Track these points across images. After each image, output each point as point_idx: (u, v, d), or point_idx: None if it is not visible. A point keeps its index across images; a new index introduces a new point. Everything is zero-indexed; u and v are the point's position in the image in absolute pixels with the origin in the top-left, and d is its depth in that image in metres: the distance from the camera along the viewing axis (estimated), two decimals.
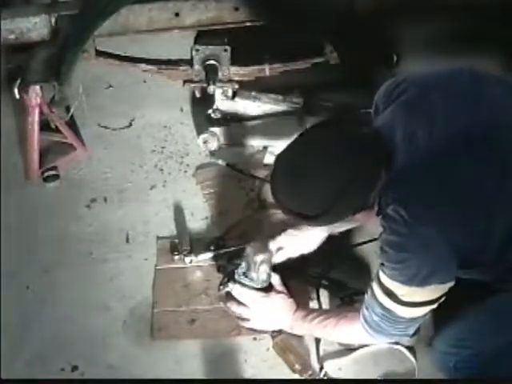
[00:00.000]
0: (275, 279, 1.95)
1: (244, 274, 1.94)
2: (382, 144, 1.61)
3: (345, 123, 1.69)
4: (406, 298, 1.62)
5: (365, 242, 2.12)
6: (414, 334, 1.86)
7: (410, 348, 1.91)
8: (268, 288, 1.94)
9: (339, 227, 1.80)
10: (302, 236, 1.99)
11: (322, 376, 1.89)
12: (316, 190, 1.56)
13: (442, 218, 1.54)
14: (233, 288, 1.94)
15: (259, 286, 1.93)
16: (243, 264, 1.95)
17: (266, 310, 1.91)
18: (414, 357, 1.90)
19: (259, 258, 1.91)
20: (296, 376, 1.88)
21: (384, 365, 1.90)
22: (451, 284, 1.62)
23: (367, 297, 1.71)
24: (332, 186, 1.55)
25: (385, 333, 1.71)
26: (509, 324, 1.65)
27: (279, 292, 1.93)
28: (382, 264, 1.64)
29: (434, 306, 1.65)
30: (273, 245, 1.98)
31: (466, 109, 1.60)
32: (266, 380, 1.90)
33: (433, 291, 1.61)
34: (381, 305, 1.66)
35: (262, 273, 1.92)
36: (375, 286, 1.67)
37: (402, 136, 1.60)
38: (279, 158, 1.64)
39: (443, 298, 1.64)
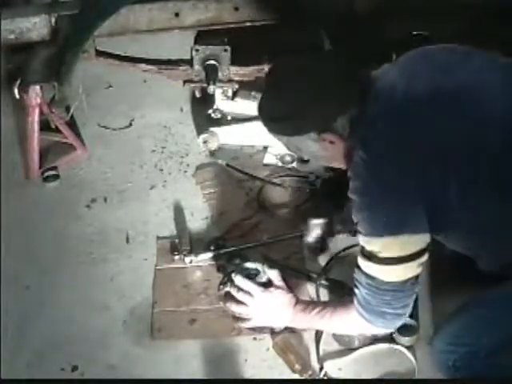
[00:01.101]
0: (274, 274, 1.94)
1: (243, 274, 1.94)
2: (362, 80, 1.65)
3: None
4: (383, 253, 1.62)
5: None
6: (413, 333, 1.88)
7: (409, 348, 1.91)
8: (267, 284, 1.94)
9: (311, 154, 1.77)
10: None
11: (322, 376, 1.88)
12: (288, 94, 1.63)
13: (402, 161, 1.57)
14: (231, 286, 1.93)
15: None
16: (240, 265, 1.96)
17: (265, 305, 1.91)
18: (414, 357, 1.90)
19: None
20: (296, 376, 1.88)
21: (384, 365, 1.90)
22: (426, 238, 1.62)
23: (354, 274, 1.71)
24: (303, 93, 1.61)
25: (375, 310, 1.69)
26: (506, 320, 1.65)
27: (278, 287, 1.93)
28: (356, 223, 1.65)
29: (414, 264, 1.63)
30: None
31: (445, 75, 1.64)
32: (266, 380, 1.89)
33: (408, 243, 1.61)
34: (365, 274, 1.67)
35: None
36: (358, 256, 1.69)
37: (382, 83, 1.64)
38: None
39: (423, 258, 1.63)
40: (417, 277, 1.67)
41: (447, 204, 1.59)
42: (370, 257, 1.65)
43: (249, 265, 1.99)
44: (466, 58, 1.67)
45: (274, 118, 1.67)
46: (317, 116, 1.62)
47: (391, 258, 1.63)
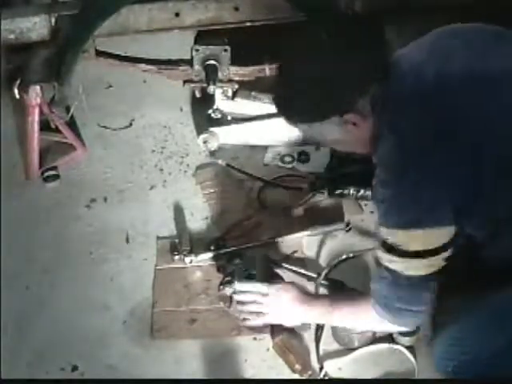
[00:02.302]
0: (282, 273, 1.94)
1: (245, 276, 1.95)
2: (381, 58, 1.61)
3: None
4: (407, 246, 1.58)
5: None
6: (413, 333, 1.88)
7: (409, 348, 1.91)
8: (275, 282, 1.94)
9: (334, 140, 1.72)
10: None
11: (322, 376, 1.88)
12: (303, 80, 1.60)
13: (436, 148, 1.53)
14: (237, 289, 1.93)
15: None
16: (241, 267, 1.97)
17: (278, 301, 1.89)
18: (414, 357, 1.90)
19: None
20: (296, 376, 1.88)
21: (384, 365, 1.90)
22: (451, 230, 1.58)
23: (373, 269, 1.69)
24: (319, 76, 1.58)
25: (391, 307, 1.66)
26: (506, 328, 1.64)
27: (288, 283, 1.92)
28: (379, 215, 1.62)
29: (439, 258, 1.60)
30: None
31: (479, 58, 1.59)
32: (266, 380, 1.89)
33: (434, 236, 1.58)
34: (385, 267, 1.63)
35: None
36: (378, 249, 1.65)
37: (409, 63, 1.60)
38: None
39: (447, 253, 1.60)
40: (437, 272, 1.63)
41: (479, 191, 1.55)
42: (393, 250, 1.61)
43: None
44: (497, 38, 1.63)
45: (294, 106, 1.63)
46: (337, 98, 1.58)
47: (416, 252, 1.59)
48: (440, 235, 1.59)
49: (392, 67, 1.60)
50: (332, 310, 1.83)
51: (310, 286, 2.05)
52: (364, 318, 1.78)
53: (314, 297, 1.91)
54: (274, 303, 1.90)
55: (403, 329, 1.79)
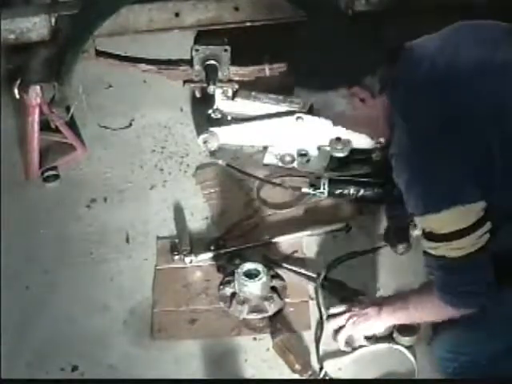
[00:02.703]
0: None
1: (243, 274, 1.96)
2: (392, 43, 1.68)
3: None
4: (443, 229, 1.59)
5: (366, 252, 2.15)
6: (413, 333, 1.88)
7: (409, 348, 1.91)
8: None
9: (340, 114, 1.74)
10: None
11: (322, 376, 1.88)
12: (315, 52, 1.64)
13: (448, 129, 1.56)
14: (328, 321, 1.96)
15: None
16: None
17: (357, 321, 1.90)
18: (414, 357, 1.90)
19: None
20: (296, 376, 1.88)
21: (384, 365, 1.90)
22: (482, 205, 1.59)
23: (424, 261, 1.69)
24: (331, 48, 1.62)
25: (451, 291, 1.66)
26: (506, 329, 1.64)
27: (361, 301, 1.95)
28: (409, 205, 1.63)
29: (478, 234, 1.60)
30: None
31: (491, 48, 1.63)
32: (266, 380, 1.89)
33: (466, 214, 1.58)
34: (433, 256, 1.64)
35: None
36: (422, 241, 1.67)
37: (422, 51, 1.65)
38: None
39: (485, 227, 1.60)
40: (483, 248, 1.62)
41: (491, 168, 1.58)
42: (432, 236, 1.63)
43: (249, 265, 2.00)
44: (510, 34, 1.67)
45: (303, 72, 1.66)
46: (346, 69, 1.61)
47: (453, 233, 1.59)
48: (469, 212, 1.59)
49: (404, 52, 1.64)
50: (406, 307, 1.81)
51: (311, 286, 2.06)
52: (434, 310, 1.75)
53: (388, 305, 1.88)
54: (355, 323, 1.90)
55: (469, 311, 1.72)
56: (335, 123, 1.80)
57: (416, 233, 2.06)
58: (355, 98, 1.64)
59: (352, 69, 1.61)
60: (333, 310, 1.96)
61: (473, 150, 1.57)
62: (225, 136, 2.48)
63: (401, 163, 1.62)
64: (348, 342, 1.91)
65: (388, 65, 1.63)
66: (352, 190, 2.25)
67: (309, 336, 1.97)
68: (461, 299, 1.66)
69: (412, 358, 1.89)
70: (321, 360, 1.91)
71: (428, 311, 1.78)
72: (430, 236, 1.63)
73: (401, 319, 1.86)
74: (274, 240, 2.19)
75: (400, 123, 1.62)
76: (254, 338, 1.98)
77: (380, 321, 1.87)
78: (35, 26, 2.27)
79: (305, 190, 2.30)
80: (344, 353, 1.92)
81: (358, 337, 1.91)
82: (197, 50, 2.31)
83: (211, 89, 2.33)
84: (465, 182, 1.58)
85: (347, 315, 1.91)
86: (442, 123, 1.57)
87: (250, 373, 1.91)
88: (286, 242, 2.18)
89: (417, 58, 1.63)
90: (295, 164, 2.42)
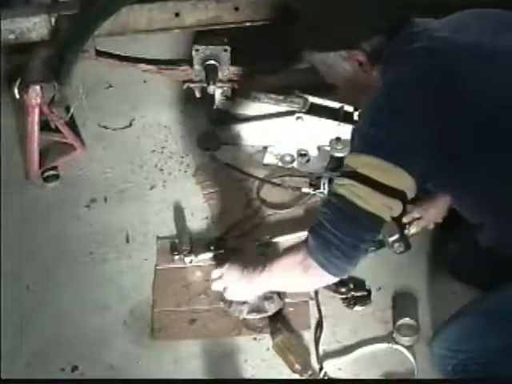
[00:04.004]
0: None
1: None
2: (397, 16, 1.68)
3: None
4: (365, 171, 1.55)
5: None
6: (413, 333, 1.88)
7: (409, 348, 1.91)
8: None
9: (337, 75, 1.75)
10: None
11: (321, 376, 1.89)
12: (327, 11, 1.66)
13: (421, 89, 1.56)
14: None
15: None
16: None
17: (230, 281, 1.93)
18: (414, 357, 1.90)
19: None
20: (296, 376, 1.88)
21: (384, 365, 1.90)
22: (410, 183, 1.57)
23: (320, 210, 1.65)
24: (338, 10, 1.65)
25: (324, 239, 1.60)
26: (506, 327, 1.65)
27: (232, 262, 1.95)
28: (352, 144, 1.64)
29: (385, 202, 1.56)
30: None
31: (499, 30, 1.64)
32: (265, 380, 1.89)
33: (392, 174, 1.55)
34: (334, 193, 1.60)
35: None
36: (335, 180, 1.65)
37: (427, 27, 1.65)
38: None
39: (397, 204, 1.57)
40: (381, 220, 1.58)
41: (457, 152, 1.56)
42: (349, 174, 1.58)
43: None
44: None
45: (309, 26, 1.68)
46: (347, 30, 1.64)
47: (368, 178, 1.55)
48: (399, 178, 1.56)
49: (405, 25, 1.65)
50: (267, 275, 1.81)
51: None
52: (292, 270, 1.72)
53: (254, 266, 1.87)
54: (229, 284, 1.93)
55: (332, 278, 1.68)
56: (331, 81, 1.80)
57: (413, 231, 2.06)
58: (354, 60, 1.67)
59: (353, 31, 1.64)
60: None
61: (440, 124, 1.55)
62: (225, 136, 2.48)
63: (374, 98, 1.61)
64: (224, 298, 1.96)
65: (387, 37, 1.65)
66: None
67: (309, 336, 1.97)
68: (325, 250, 1.61)
69: (412, 358, 1.89)
70: (321, 360, 1.91)
71: (288, 272, 1.75)
72: (346, 173, 1.59)
73: (262, 286, 1.87)
74: (274, 240, 2.19)
75: (389, 71, 1.63)
76: (254, 338, 1.98)
77: (251, 281, 1.87)
78: (35, 26, 2.27)
79: (305, 189, 2.31)
80: (344, 353, 1.92)
81: (231, 291, 1.93)
82: (197, 50, 2.31)
83: (211, 89, 2.33)
84: (415, 149, 1.56)
85: (229, 265, 1.93)
86: (419, 84, 1.57)
87: (249, 373, 1.91)
88: (285, 241, 2.18)
89: (415, 30, 1.64)
90: (295, 164, 2.42)
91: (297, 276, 1.72)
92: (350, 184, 1.58)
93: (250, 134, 2.47)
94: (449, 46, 1.60)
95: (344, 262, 1.62)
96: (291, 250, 1.77)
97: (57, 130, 2.40)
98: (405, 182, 1.57)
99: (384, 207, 1.58)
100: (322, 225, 1.62)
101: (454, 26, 1.66)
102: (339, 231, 1.59)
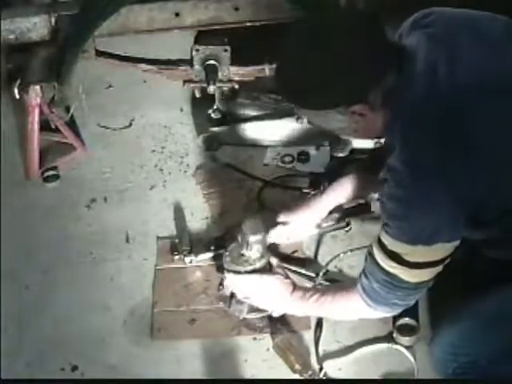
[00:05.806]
0: (274, 261, 1.93)
1: (232, 259, 1.94)
2: (396, 50, 1.55)
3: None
4: (410, 257, 1.55)
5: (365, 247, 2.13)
6: (413, 333, 1.88)
7: (409, 348, 1.91)
8: (264, 270, 1.92)
9: (339, 128, 1.65)
10: (295, 223, 2.03)
11: (321, 376, 1.88)
12: (315, 62, 1.50)
13: (449, 168, 1.48)
14: (226, 277, 1.94)
15: (251, 268, 1.91)
16: (232, 246, 1.95)
17: (261, 290, 1.89)
18: (414, 357, 1.89)
19: (253, 237, 1.89)
20: (296, 376, 1.88)
21: (384, 365, 1.90)
22: (457, 243, 1.57)
23: (366, 264, 1.65)
24: (330, 59, 1.49)
25: (384, 302, 1.66)
26: (506, 330, 1.64)
27: (276, 273, 1.91)
28: (386, 224, 1.58)
29: (439, 267, 1.59)
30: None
31: (493, 58, 1.54)
32: (266, 380, 1.89)
33: (438, 250, 1.56)
34: (383, 270, 1.60)
35: (254, 252, 1.91)
36: (376, 250, 1.61)
37: (423, 60, 1.53)
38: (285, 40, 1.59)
39: (448, 260, 1.59)
40: (434, 277, 1.63)
41: (490, 207, 1.54)
42: (394, 257, 1.58)
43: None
44: (509, 31, 1.59)
45: (299, 90, 1.53)
46: (348, 88, 1.49)
47: (418, 263, 1.57)
48: (446, 249, 1.58)
49: (404, 62, 1.54)
50: (316, 304, 1.81)
51: (310, 286, 2.06)
52: (349, 308, 1.77)
53: (302, 290, 1.87)
54: (256, 293, 1.90)
55: (387, 315, 1.77)
56: (335, 134, 1.77)
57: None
58: (355, 114, 1.55)
59: (354, 83, 1.49)
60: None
61: (464, 192, 1.50)
62: (225, 136, 2.48)
63: (391, 188, 1.54)
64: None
65: (393, 76, 1.52)
66: None
67: (309, 336, 1.97)
68: (385, 307, 1.69)
69: (412, 358, 1.89)
70: (321, 360, 1.91)
71: (340, 309, 1.80)
72: (393, 256, 1.58)
73: (305, 309, 1.85)
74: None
75: (398, 147, 1.52)
76: (254, 338, 1.98)
77: (283, 299, 1.86)
78: (35, 26, 2.28)
79: (305, 190, 2.31)
80: (344, 353, 1.92)
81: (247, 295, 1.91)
82: (197, 50, 2.31)
83: (211, 89, 2.33)
84: (453, 222, 1.54)
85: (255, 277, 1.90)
86: (442, 152, 1.48)
87: (249, 373, 1.91)
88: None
89: (415, 69, 1.52)
90: (295, 164, 2.42)
91: (354, 316, 1.81)
92: (402, 269, 1.59)
93: (250, 134, 2.47)
94: (453, 94, 1.50)
95: (404, 307, 1.73)
96: (350, 295, 1.75)
97: (57, 130, 2.41)
98: (450, 249, 1.58)
99: (436, 273, 1.62)
100: (378, 294, 1.66)
101: (451, 53, 1.53)
102: (402, 300, 1.67)
